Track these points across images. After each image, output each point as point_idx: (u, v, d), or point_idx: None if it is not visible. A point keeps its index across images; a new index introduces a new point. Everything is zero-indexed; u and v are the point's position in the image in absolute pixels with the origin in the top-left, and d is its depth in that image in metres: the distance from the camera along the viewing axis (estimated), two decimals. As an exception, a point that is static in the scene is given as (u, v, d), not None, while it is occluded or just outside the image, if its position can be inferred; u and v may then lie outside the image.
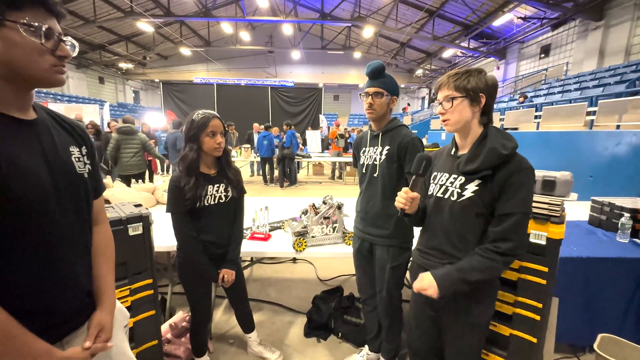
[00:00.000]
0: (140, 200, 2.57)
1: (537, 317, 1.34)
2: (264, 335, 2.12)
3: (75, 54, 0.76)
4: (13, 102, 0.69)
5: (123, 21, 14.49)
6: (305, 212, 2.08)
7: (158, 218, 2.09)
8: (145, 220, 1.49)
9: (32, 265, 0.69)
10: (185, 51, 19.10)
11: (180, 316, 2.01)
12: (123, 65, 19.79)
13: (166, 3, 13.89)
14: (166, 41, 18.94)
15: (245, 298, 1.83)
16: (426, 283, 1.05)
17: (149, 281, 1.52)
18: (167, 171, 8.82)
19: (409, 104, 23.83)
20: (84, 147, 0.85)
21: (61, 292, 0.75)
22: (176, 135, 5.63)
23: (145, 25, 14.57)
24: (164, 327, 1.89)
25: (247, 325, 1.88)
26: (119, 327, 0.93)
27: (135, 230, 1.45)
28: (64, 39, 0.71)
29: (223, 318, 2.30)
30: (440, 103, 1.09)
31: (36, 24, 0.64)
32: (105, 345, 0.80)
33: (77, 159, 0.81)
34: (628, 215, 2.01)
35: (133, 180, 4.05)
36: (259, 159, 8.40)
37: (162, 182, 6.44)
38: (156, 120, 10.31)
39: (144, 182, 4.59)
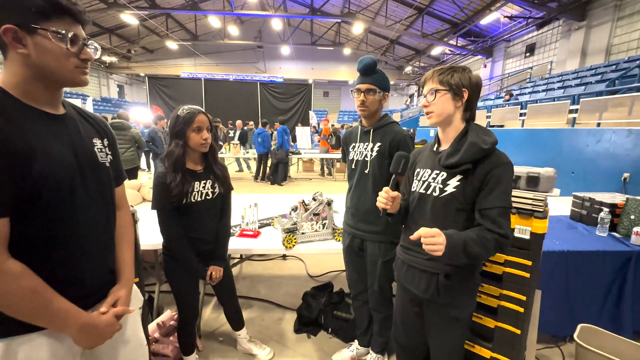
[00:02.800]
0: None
1: (521, 310, 1.38)
2: (254, 332, 2.11)
3: (97, 57, 0.85)
4: (45, 100, 0.78)
5: (106, 13, 14.02)
6: (295, 209, 2.08)
7: (144, 215, 2.04)
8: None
9: (64, 243, 0.79)
10: (172, 45, 18.64)
11: (168, 315, 1.98)
12: (106, 58, 19.17)
13: (151, -5, 13.52)
14: (152, 34, 18.43)
15: (234, 295, 1.82)
16: (441, 239, 0.95)
17: (135, 280, 1.49)
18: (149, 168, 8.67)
19: (410, 96, 23.98)
20: (105, 140, 0.95)
21: (88, 266, 0.85)
22: (155, 130, 5.63)
23: (129, 18, 14.13)
24: (152, 326, 1.87)
25: (237, 322, 1.87)
26: (134, 307, 1.00)
27: (120, 228, 1.42)
28: (87, 43, 0.80)
29: (212, 316, 2.29)
30: (425, 96, 1.12)
31: (63, 31, 0.74)
32: (127, 309, 0.91)
33: (99, 150, 0.90)
34: (607, 210, 2.08)
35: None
36: (248, 155, 8.35)
37: (148, 179, 6.32)
38: (142, 115, 10.05)
39: (135, 178, 4.51)
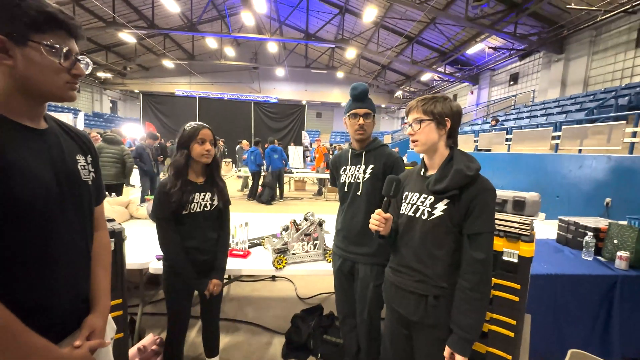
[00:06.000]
0: (113, 215, 2.46)
1: (511, 334, 1.37)
2: (240, 357, 2.03)
3: (88, 72, 0.82)
4: (26, 113, 0.74)
5: (104, 31, 14.26)
6: (286, 229, 2.06)
7: (132, 233, 2.00)
8: (117, 236, 1.42)
9: (33, 267, 0.71)
10: (168, 63, 18.94)
11: (150, 339, 1.89)
12: (101, 74, 19.28)
13: (150, 16, 13.86)
14: (148, 52, 18.74)
15: (217, 316, 1.78)
16: None
17: (119, 301, 1.44)
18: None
19: (402, 119, 24.53)
20: (89, 156, 0.90)
21: (60, 294, 0.77)
22: (143, 147, 5.62)
23: (127, 36, 14.40)
24: (132, 351, 1.77)
25: (211, 348, 1.80)
26: (107, 338, 0.93)
27: (106, 246, 1.38)
28: (79, 58, 0.76)
29: (197, 340, 2.19)
30: (410, 125, 1.18)
31: (58, 46, 0.70)
32: (103, 342, 0.83)
33: (82, 167, 0.85)
34: (591, 234, 2.13)
35: (106, 193, 3.90)
36: (240, 173, 8.34)
37: (139, 194, 6.21)
38: (134, 131, 10.03)
39: (120, 195, 4.45)
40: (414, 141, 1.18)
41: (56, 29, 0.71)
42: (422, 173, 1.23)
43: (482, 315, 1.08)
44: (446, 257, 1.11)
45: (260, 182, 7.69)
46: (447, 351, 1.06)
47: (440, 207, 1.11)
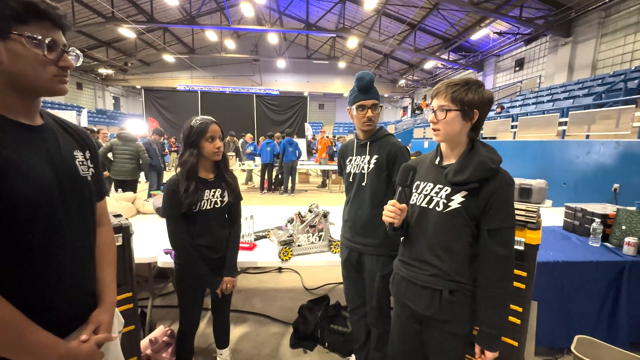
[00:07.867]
0: (120, 210, 2.49)
1: (518, 321, 1.38)
2: (249, 347, 2.07)
3: (78, 64, 0.79)
4: (20, 110, 0.72)
5: (104, 27, 14.19)
6: (291, 221, 2.07)
7: (139, 228, 2.03)
8: (125, 231, 1.44)
9: (37, 264, 0.71)
10: (169, 58, 18.84)
11: (161, 330, 1.93)
12: (103, 71, 19.27)
13: (149, 9, 13.74)
14: (149, 47, 18.63)
15: (228, 309, 1.80)
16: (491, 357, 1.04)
17: (129, 294, 1.47)
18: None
19: (404, 108, 24.28)
20: (87, 152, 0.88)
21: (65, 290, 0.78)
22: (149, 142, 5.68)
23: (127, 31, 14.31)
24: (144, 343, 1.82)
25: (222, 340, 1.83)
26: (114, 332, 0.94)
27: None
28: (68, 50, 0.74)
29: (207, 330, 2.24)
30: (434, 111, 1.07)
31: (39, 37, 0.67)
32: (110, 336, 0.84)
33: (80, 163, 0.84)
34: (599, 220, 2.11)
35: (112, 190, 3.96)
36: (244, 166, 8.37)
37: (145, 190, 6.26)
38: (137, 127, 10.06)
39: (135, 192, 4.57)
40: (434, 129, 1.08)
41: (39, 20, 0.68)
42: (437, 162, 1.14)
43: (506, 310, 1.06)
44: (463, 250, 1.06)
45: (274, 172, 7.86)
46: (477, 348, 1.06)
47: (458, 199, 1.04)
